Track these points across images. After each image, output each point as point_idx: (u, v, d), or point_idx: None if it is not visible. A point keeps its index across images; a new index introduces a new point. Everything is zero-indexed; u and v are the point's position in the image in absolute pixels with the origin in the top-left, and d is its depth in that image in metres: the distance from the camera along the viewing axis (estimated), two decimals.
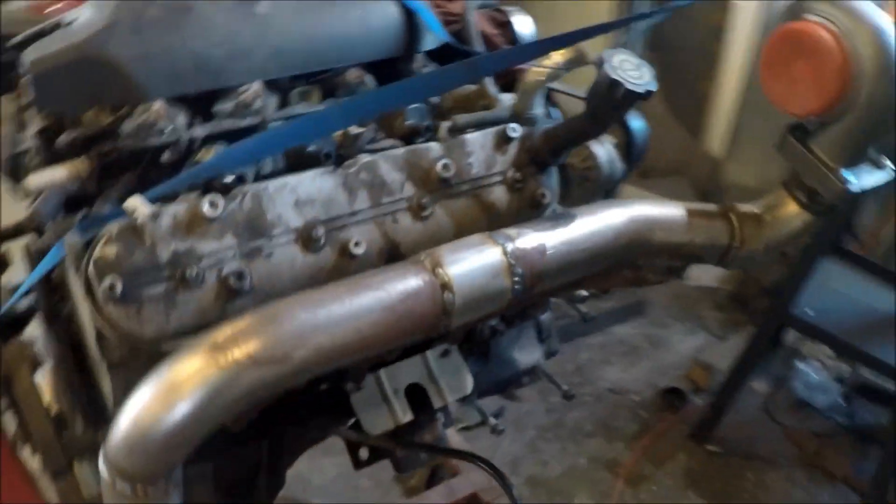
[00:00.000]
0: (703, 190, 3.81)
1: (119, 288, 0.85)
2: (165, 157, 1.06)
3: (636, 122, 1.38)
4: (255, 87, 1.13)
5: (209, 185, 0.97)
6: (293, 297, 0.86)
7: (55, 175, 1.04)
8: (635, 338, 3.22)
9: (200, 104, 1.12)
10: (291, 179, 0.99)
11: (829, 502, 2.46)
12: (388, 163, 1.05)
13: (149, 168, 1.07)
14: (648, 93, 1.03)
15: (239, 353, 0.79)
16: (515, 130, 1.16)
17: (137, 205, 0.90)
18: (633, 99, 1.03)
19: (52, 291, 1.00)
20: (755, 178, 3.38)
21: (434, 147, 1.10)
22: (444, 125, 1.15)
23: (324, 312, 0.85)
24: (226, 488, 1.15)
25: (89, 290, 0.88)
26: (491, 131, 1.16)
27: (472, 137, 1.14)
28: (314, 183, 1.00)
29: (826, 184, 1.17)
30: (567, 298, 1.45)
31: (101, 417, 0.98)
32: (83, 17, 1.12)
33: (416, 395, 1.17)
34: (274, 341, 0.81)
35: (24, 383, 1.10)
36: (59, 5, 1.48)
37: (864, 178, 1.18)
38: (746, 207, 1.24)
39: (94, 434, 1.00)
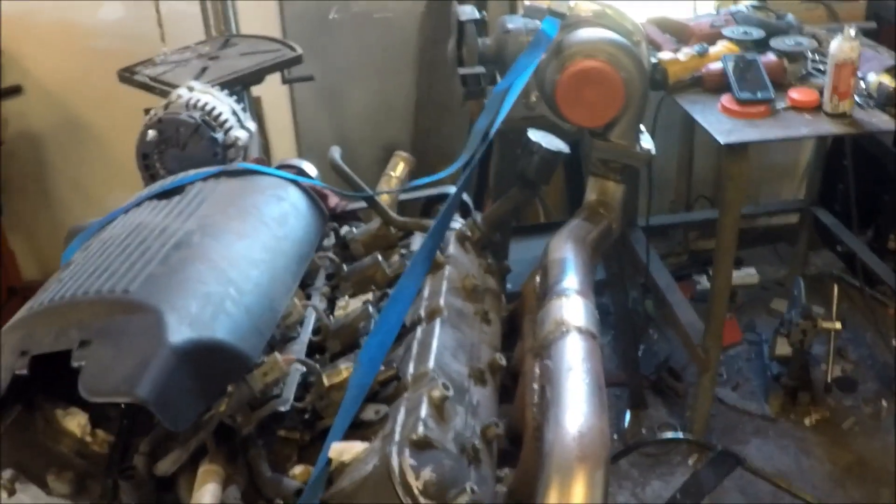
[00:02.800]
0: None
1: (466, 499, 0.90)
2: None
3: None
4: (297, 303, 1.22)
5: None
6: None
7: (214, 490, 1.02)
8: None
9: None
10: (432, 343, 1.12)
11: None
12: (450, 295, 1.25)
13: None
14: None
15: None
16: (466, 229, 1.42)
17: (344, 448, 0.98)
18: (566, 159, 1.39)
19: None
20: None
21: (451, 271, 1.31)
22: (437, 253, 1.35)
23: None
24: None
25: None
26: (452, 240, 1.40)
27: (454, 251, 1.37)
28: (443, 336, 1.15)
29: (636, 157, 1.64)
30: None
31: None
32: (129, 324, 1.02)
33: None
34: None
35: None
36: None
37: (648, 144, 1.68)
38: (593, 198, 1.65)
39: None
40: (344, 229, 1.51)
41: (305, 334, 1.20)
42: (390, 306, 1.16)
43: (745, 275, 3.50)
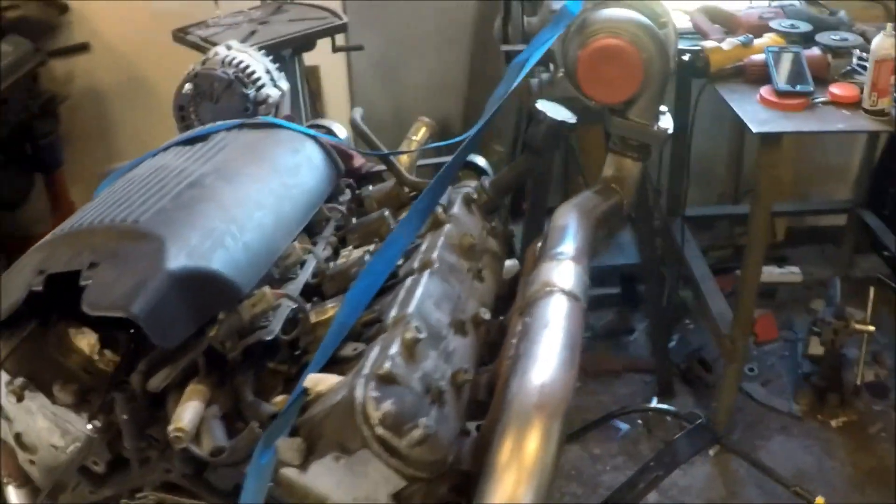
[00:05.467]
0: None
1: (419, 433, 0.93)
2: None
3: None
4: (297, 247, 1.29)
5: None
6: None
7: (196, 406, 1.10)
8: None
9: None
10: (417, 290, 1.17)
11: None
12: (445, 250, 1.30)
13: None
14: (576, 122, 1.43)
15: None
16: (474, 192, 1.47)
17: (319, 379, 1.04)
18: (572, 130, 1.42)
19: None
20: None
21: (451, 228, 1.36)
22: (438, 209, 1.40)
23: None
24: None
25: (388, 448, 0.94)
26: (459, 201, 1.45)
27: (458, 211, 1.42)
28: (430, 286, 1.20)
29: (652, 136, 1.66)
30: None
31: None
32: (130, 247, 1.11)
33: None
34: None
35: None
36: None
37: (667, 124, 1.70)
38: (609, 174, 1.68)
39: None
40: (363, 188, 1.58)
41: (304, 276, 1.27)
42: (381, 252, 1.22)
43: (788, 273, 3.48)
